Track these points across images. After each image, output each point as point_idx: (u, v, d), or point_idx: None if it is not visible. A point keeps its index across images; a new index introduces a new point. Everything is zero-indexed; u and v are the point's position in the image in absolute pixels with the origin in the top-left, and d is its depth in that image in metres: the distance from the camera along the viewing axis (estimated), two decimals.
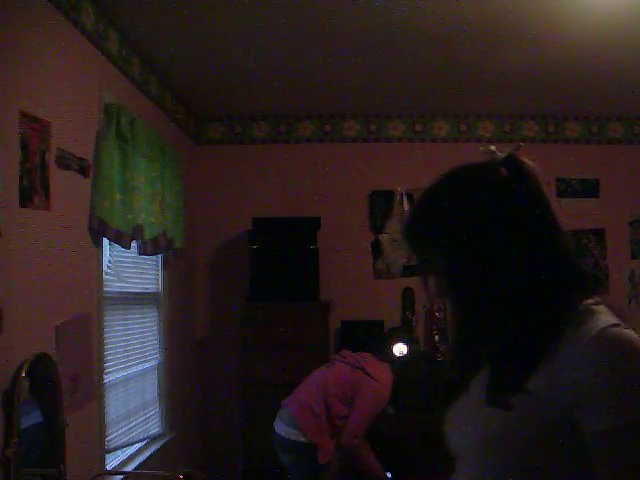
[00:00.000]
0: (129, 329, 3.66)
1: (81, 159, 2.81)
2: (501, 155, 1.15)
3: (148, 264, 4.00)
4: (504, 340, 1.07)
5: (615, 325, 1.00)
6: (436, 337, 4.72)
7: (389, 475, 3.68)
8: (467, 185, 1.13)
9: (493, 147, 1.17)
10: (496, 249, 1.07)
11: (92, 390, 2.90)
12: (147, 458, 3.64)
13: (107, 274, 3.24)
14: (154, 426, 4.03)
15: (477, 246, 1.08)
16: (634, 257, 5.02)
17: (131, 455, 3.56)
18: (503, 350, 1.07)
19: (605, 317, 1.02)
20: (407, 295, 4.84)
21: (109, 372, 3.24)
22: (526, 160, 1.15)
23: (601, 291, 1.14)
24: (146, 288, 3.98)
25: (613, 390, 0.95)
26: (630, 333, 1.00)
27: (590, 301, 1.06)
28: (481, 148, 1.18)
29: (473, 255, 1.08)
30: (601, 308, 1.05)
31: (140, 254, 3.51)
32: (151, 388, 4.02)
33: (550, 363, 1.00)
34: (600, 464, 0.96)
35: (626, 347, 0.98)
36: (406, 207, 4.89)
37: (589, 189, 5.05)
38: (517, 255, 1.06)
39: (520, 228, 1.08)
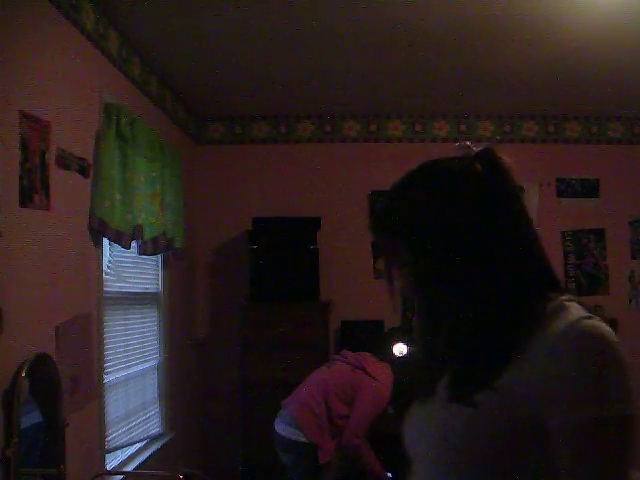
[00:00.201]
0: (129, 329, 3.66)
1: (81, 159, 2.81)
2: (476, 150, 1.14)
3: (148, 264, 4.00)
4: (473, 336, 1.04)
5: (587, 317, 0.98)
6: None
7: (390, 475, 3.68)
8: (437, 178, 1.11)
9: (469, 143, 1.16)
10: (465, 244, 1.05)
11: (92, 390, 2.90)
12: (147, 458, 3.64)
13: (107, 274, 3.24)
14: (154, 426, 4.03)
15: (445, 241, 1.06)
16: (634, 257, 5.02)
17: (131, 455, 3.56)
18: (471, 346, 1.04)
19: (577, 311, 1.00)
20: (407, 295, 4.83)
21: (109, 372, 3.24)
22: (502, 156, 1.15)
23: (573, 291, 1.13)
24: (146, 288, 3.98)
25: (584, 382, 0.93)
26: (601, 325, 0.97)
27: (563, 297, 1.04)
28: (456, 144, 1.16)
29: (440, 250, 1.06)
30: (573, 304, 1.02)
31: (140, 254, 3.51)
32: (151, 388, 4.02)
33: (520, 359, 0.98)
34: (567, 458, 0.93)
35: (597, 338, 0.95)
36: None
37: (589, 189, 5.05)
38: (487, 250, 1.05)
39: (491, 224, 1.06)
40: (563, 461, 0.93)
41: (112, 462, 3.27)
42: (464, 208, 1.06)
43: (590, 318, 0.98)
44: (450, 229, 1.06)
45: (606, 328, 0.97)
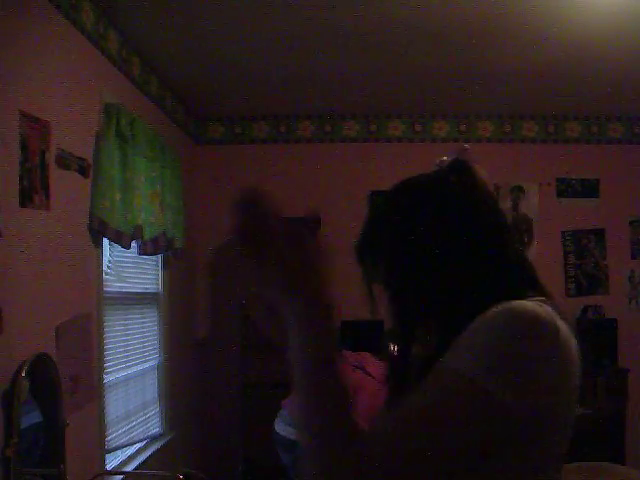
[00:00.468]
0: (129, 329, 3.66)
1: (81, 159, 2.81)
2: (448, 160, 1.15)
3: (148, 264, 4.00)
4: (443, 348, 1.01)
5: (528, 300, 0.94)
6: None
7: None
8: (406, 195, 1.13)
9: (467, 145, 1.19)
10: (435, 257, 1.04)
11: (92, 390, 2.90)
12: (147, 458, 3.64)
13: (107, 274, 3.24)
14: (154, 426, 4.03)
15: (416, 255, 1.06)
16: (634, 257, 5.02)
17: (131, 455, 3.56)
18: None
19: (529, 301, 0.95)
20: None
21: (109, 372, 3.24)
22: (472, 163, 1.14)
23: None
24: (146, 288, 3.98)
25: (483, 345, 0.88)
26: (537, 307, 0.92)
27: (534, 298, 0.98)
28: (437, 160, 1.18)
29: (412, 263, 1.07)
30: (537, 302, 0.97)
31: (140, 254, 3.51)
32: (151, 388, 4.02)
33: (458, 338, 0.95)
34: (418, 388, 0.90)
35: (518, 313, 0.90)
36: None
37: (589, 189, 5.05)
38: (458, 262, 1.03)
39: (461, 234, 1.05)
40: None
41: (112, 462, 3.27)
42: (432, 220, 1.06)
43: (532, 300, 0.94)
44: (420, 242, 1.06)
45: (537, 311, 0.91)
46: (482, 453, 0.88)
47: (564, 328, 0.94)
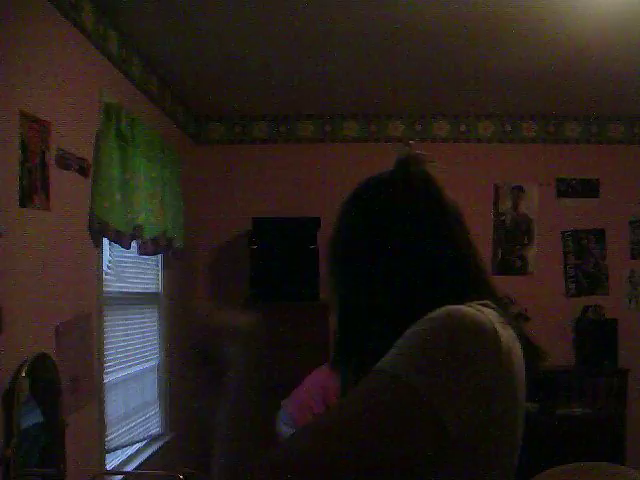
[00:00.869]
0: (129, 329, 3.66)
1: (81, 159, 2.81)
2: (416, 148, 1.10)
3: (148, 264, 4.00)
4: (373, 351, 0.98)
5: (463, 304, 0.91)
6: None
7: None
8: (354, 198, 1.13)
9: (412, 141, 1.14)
10: (381, 258, 1.02)
11: (92, 390, 2.90)
12: (147, 458, 3.64)
13: (107, 274, 3.24)
14: (154, 426, 4.03)
15: (361, 256, 1.04)
16: (634, 257, 5.02)
17: (131, 455, 3.56)
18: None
19: (467, 305, 0.91)
20: None
21: (109, 372, 3.24)
22: (420, 160, 1.09)
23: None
24: (146, 288, 3.98)
25: (414, 347, 0.85)
26: (473, 310, 0.89)
27: (478, 302, 0.95)
28: (397, 144, 1.15)
29: (357, 265, 1.05)
30: (476, 306, 0.92)
31: (140, 254, 3.51)
32: (151, 388, 4.02)
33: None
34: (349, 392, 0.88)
35: (449, 316, 0.87)
36: None
37: (589, 189, 5.05)
38: (403, 263, 1.00)
39: (407, 234, 1.02)
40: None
41: (112, 462, 3.27)
42: (374, 224, 1.05)
43: (467, 305, 0.90)
44: (366, 243, 1.04)
45: (473, 315, 0.88)
46: (407, 460, 0.83)
47: (505, 332, 0.90)
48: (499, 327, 0.89)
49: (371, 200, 1.08)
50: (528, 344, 0.97)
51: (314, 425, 0.89)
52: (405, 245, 1.01)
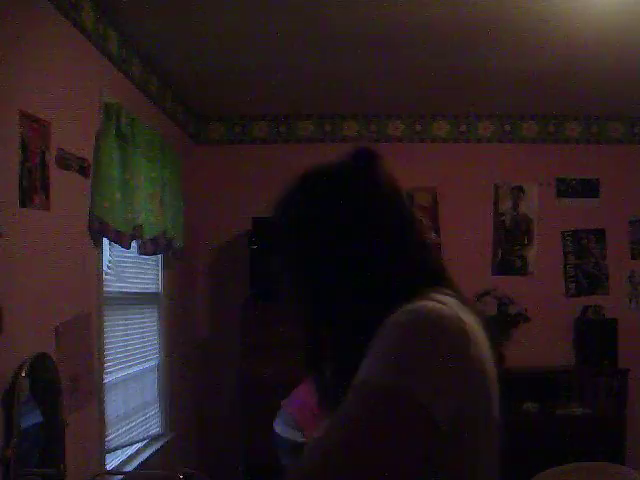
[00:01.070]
0: (129, 329, 3.66)
1: (81, 159, 2.81)
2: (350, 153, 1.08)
3: (148, 264, 4.00)
4: (346, 351, 0.97)
5: (428, 300, 0.90)
6: None
7: None
8: (299, 190, 1.11)
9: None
10: (330, 252, 1.00)
11: (92, 390, 2.90)
12: (147, 458, 3.64)
13: (107, 274, 3.24)
14: (154, 426, 4.03)
15: (309, 251, 1.02)
16: (634, 257, 5.02)
17: (131, 455, 3.56)
18: (344, 359, 0.98)
19: (429, 298, 0.91)
20: None
21: (109, 372, 3.24)
22: (375, 154, 1.07)
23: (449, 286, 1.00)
24: (146, 288, 3.98)
25: (383, 349, 0.86)
26: (436, 306, 0.89)
27: (435, 291, 0.94)
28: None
29: (307, 260, 1.02)
30: (436, 295, 0.93)
31: (140, 254, 3.51)
32: (151, 388, 4.02)
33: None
34: (339, 410, 0.86)
35: (413, 314, 0.87)
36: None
37: (589, 189, 5.05)
38: (353, 256, 0.98)
39: (355, 227, 1.00)
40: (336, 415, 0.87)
41: (112, 462, 3.27)
42: (325, 214, 1.03)
43: (432, 301, 0.90)
44: (312, 237, 1.02)
45: (439, 310, 0.88)
46: (416, 462, 0.84)
47: (468, 318, 0.91)
48: (463, 316, 0.90)
49: (323, 197, 1.05)
50: (490, 331, 0.97)
51: (321, 450, 0.86)
52: (357, 247, 0.99)
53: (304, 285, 1.04)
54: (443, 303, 0.90)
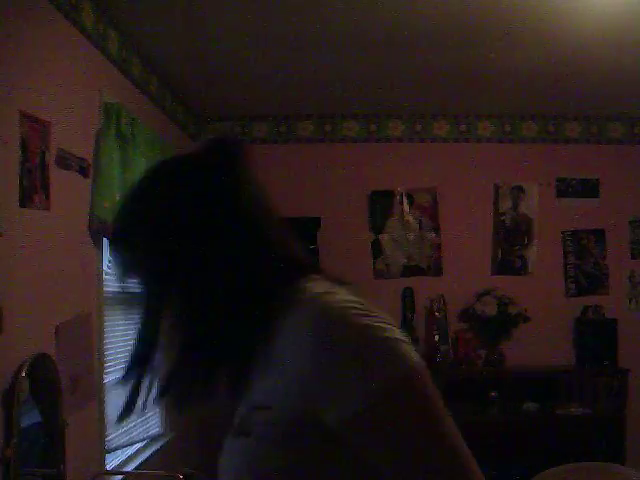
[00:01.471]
0: (129, 329, 3.65)
1: (81, 159, 2.81)
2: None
3: None
4: (216, 355, 0.94)
5: (319, 295, 0.89)
6: (436, 337, 4.72)
7: None
8: (153, 179, 1.02)
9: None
10: (185, 244, 0.95)
11: (92, 390, 2.90)
12: (147, 458, 3.64)
13: (107, 274, 3.24)
14: (154, 426, 4.03)
15: (164, 243, 0.96)
16: (634, 257, 5.02)
17: (131, 455, 3.56)
18: (230, 368, 0.95)
19: (310, 293, 0.90)
20: (407, 295, 4.84)
21: (109, 372, 3.24)
22: (231, 142, 1.03)
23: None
24: None
25: (342, 373, 0.83)
26: (334, 301, 0.88)
27: (303, 281, 0.93)
28: None
29: (162, 254, 0.97)
30: (313, 284, 0.92)
31: None
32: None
33: (272, 363, 0.88)
34: (372, 448, 0.84)
35: (326, 319, 0.86)
36: (406, 207, 4.89)
37: (589, 189, 5.05)
38: (211, 249, 0.94)
39: (209, 219, 0.95)
40: (367, 452, 0.85)
41: (112, 462, 3.27)
42: (179, 206, 0.96)
43: (322, 295, 0.89)
44: (165, 230, 0.96)
45: (341, 302, 0.88)
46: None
47: (358, 298, 0.92)
48: (351, 297, 0.91)
49: (176, 186, 0.98)
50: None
51: (430, 462, 0.85)
52: (220, 238, 0.95)
53: (173, 305, 0.98)
54: (330, 292, 0.90)
